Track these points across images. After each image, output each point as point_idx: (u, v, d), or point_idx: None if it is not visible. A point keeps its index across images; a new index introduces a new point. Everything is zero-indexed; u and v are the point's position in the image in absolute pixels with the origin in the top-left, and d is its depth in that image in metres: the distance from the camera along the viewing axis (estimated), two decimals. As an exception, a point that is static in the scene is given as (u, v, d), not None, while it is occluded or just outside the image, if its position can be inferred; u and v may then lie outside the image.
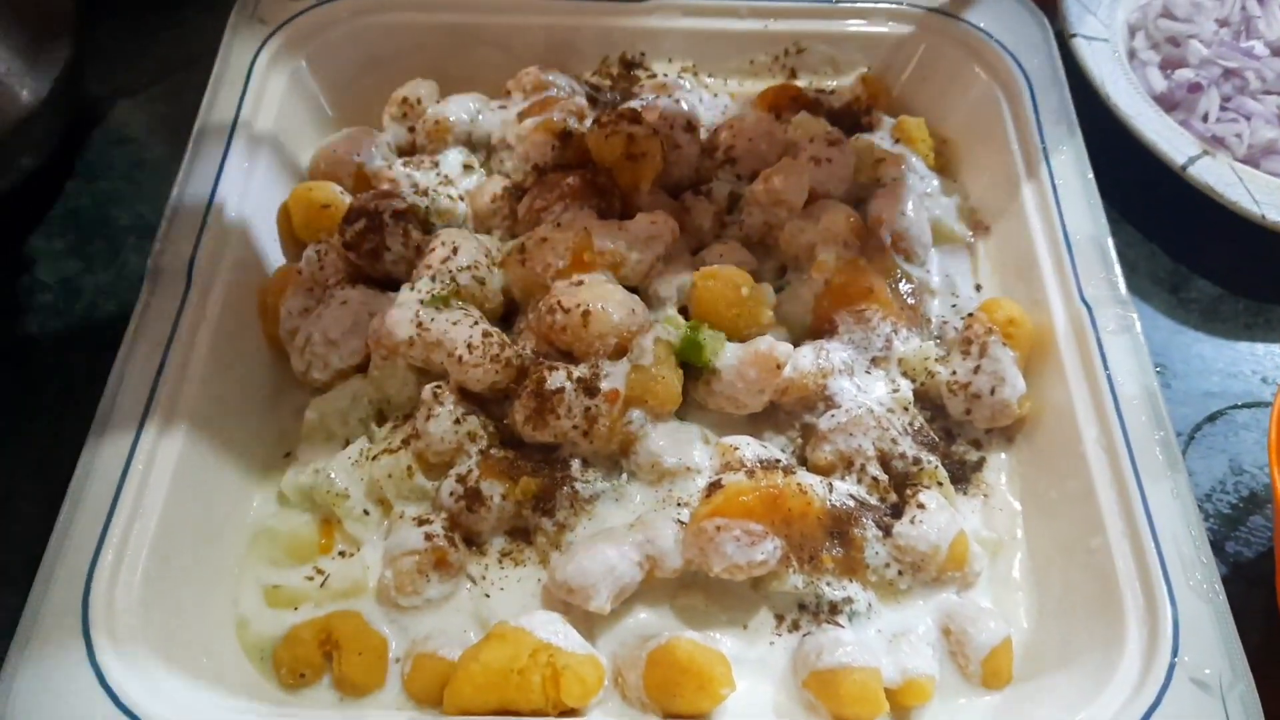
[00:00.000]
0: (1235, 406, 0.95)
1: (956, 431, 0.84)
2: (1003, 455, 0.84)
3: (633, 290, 0.82)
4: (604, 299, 0.78)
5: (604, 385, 0.77)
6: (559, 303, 0.78)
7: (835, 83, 1.05)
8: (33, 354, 0.96)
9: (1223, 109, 1.08)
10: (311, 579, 0.76)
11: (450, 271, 0.81)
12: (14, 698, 0.63)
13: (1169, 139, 1.03)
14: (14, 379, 0.94)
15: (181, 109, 1.10)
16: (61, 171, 1.09)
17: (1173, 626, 0.67)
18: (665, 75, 1.03)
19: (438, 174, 0.94)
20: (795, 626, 0.74)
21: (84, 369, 0.95)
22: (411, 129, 0.99)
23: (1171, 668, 0.65)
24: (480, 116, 0.98)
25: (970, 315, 0.85)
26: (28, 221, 1.05)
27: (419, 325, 0.78)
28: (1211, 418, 0.94)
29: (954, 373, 0.82)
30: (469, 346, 0.77)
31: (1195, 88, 1.09)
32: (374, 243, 0.83)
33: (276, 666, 0.72)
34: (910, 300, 0.87)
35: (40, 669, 0.64)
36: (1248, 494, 0.90)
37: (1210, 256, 1.04)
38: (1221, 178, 1.00)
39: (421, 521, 0.75)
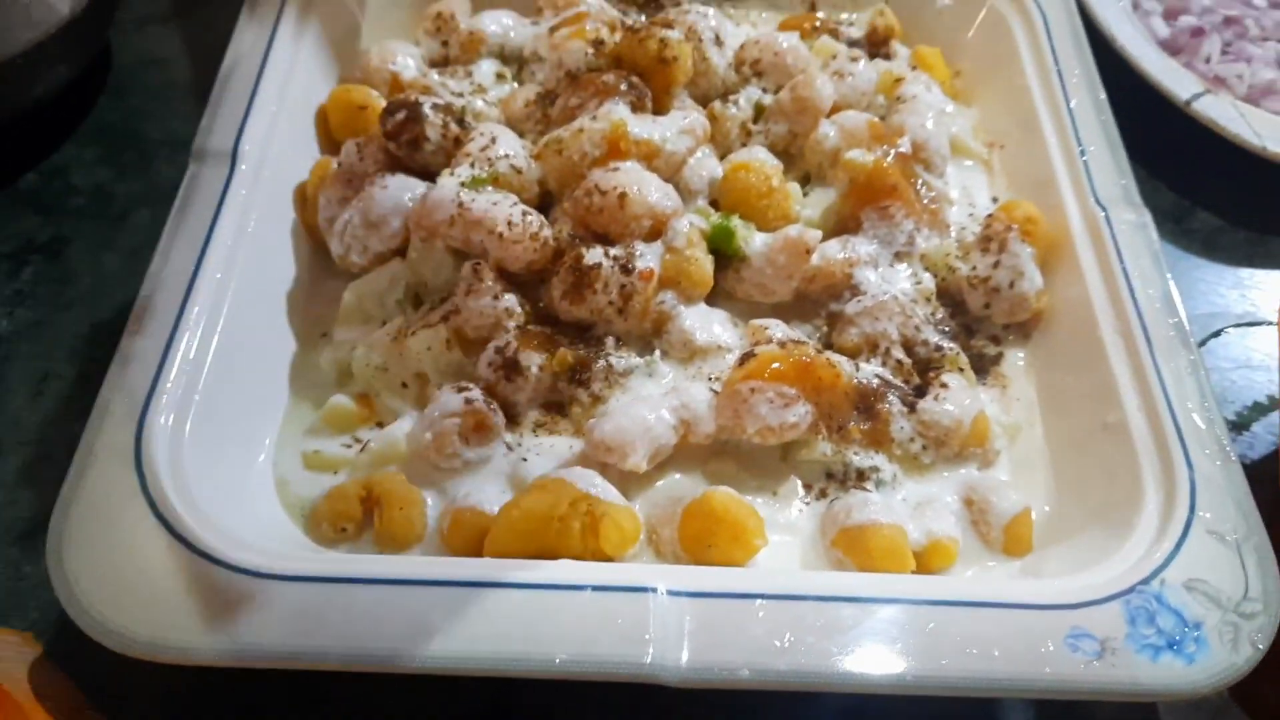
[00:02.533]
0: (1237, 325, 0.98)
1: (975, 327, 0.87)
2: (1020, 352, 0.86)
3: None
4: (639, 182, 0.80)
5: (639, 265, 0.79)
6: (596, 186, 0.81)
7: (853, 15, 1.09)
8: (66, 251, 0.98)
9: (1223, 53, 1.13)
10: (349, 446, 0.78)
11: (490, 159, 0.83)
12: (70, 525, 0.64)
13: (1173, 78, 1.08)
14: (48, 272, 0.96)
15: (212, 35, 1.13)
16: (93, 87, 1.11)
17: (1189, 486, 0.69)
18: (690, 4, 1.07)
19: (471, 83, 0.96)
20: (823, 494, 0.76)
21: (116, 266, 0.97)
22: (445, 43, 1.01)
23: (1189, 521, 0.68)
24: (512, 32, 1.01)
25: (990, 215, 0.88)
26: (61, 131, 1.07)
27: (460, 205, 0.80)
28: (1216, 334, 0.97)
29: (974, 268, 0.85)
30: (509, 224, 0.79)
31: (1198, 32, 1.13)
32: (414, 132, 0.85)
33: (316, 522, 0.73)
34: (932, 206, 0.89)
35: (94, 499, 0.65)
36: (1251, 404, 0.93)
37: (1212, 190, 1.08)
38: (1223, 113, 1.05)
39: (461, 389, 0.76)
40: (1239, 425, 0.91)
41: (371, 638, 0.60)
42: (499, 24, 1.01)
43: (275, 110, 0.90)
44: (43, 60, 1.00)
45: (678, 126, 0.85)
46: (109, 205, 1.02)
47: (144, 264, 0.78)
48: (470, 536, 0.71)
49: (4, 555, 0.78)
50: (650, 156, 0.83)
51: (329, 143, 0.95)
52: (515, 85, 0.98)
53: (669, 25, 0.90)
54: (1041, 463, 0.80)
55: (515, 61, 1.01)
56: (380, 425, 0.79)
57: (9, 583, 0.77)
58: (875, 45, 1.05)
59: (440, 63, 1.02)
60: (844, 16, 1.09)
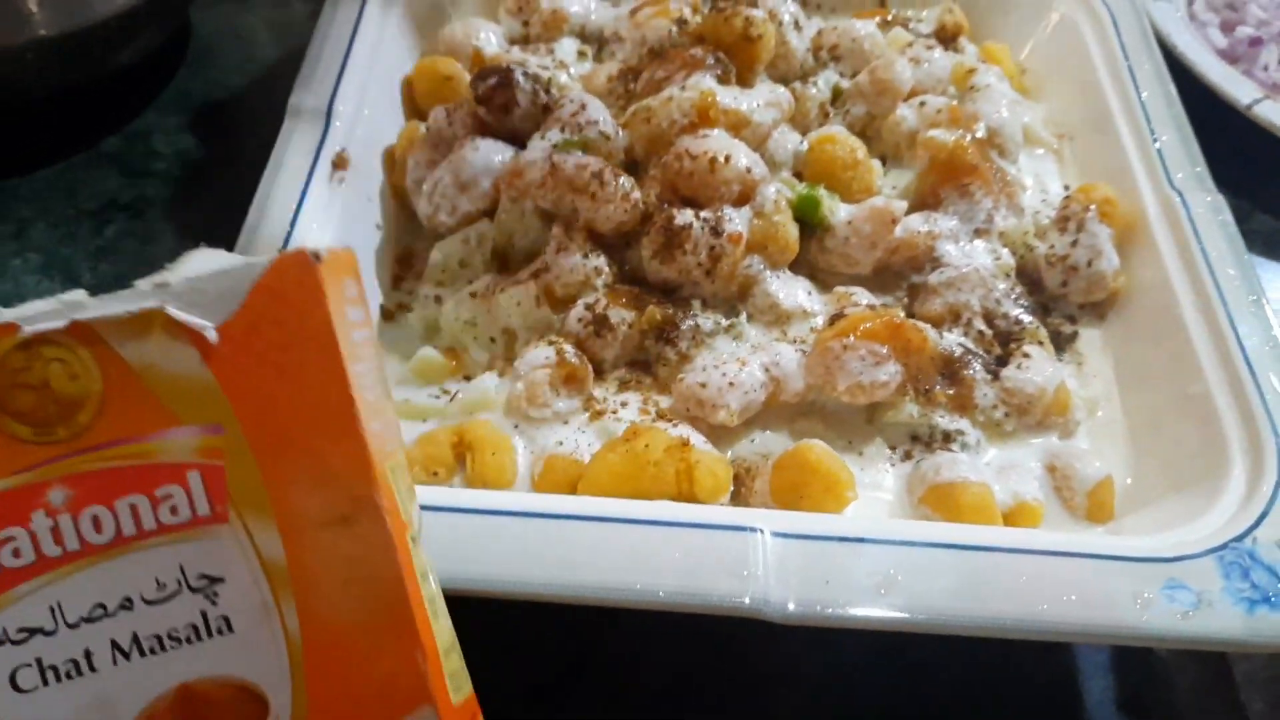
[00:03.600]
0: (1299, 319, 0.99)
1: (1052, 305, 0.88)
2: (1096, 331, 0.87)
3: (749, 155, 0.86)
4: (730, 148, 0.82)
5: (728, 228, 0.80)
6: (686, 151, 0.82)
7: (922, 12, 1.11)
8: (149, 211, 0.99)
9: (1281, 63, 1.15)
10: (438, 397, 0.79)
11: (579, 124, 0.85)
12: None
13: (1233, 84, 1.10)
14: (131, 229, 0.97)
15: (286, 13, 1.16)
16: (174, 58, 1.14)
17: (1278, 452, 0.70)
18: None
19: (553, 59, 0.99)
20: (908, 456, 0.77)
21: (200, 225, 0.98)
22: (526, 23, 1.03)
23: (1278, 486, 0.69)
24: (594, 14, 1.03)
25: (1067, 196, 0.89)
26: (143, 98, 1.09)
27: (552, 166, 0.82)
28: (1278, 327, 0.98)
29: (1052, 246, 0.87)
30: (601, 185, 0.81)
31: (1256, 41, 1.15)
32: (505, 97, 0.87)
33: (409, 465, 0.74)
34: (1008, 189, 0.91)
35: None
36: (1315, 393, 0.94)
37: (1271, 192, 1.10)
38: (1284, 117, 1.07)
39: (551, 342, 0.77)
40: (1304, 413, 0.92)
41: (475, 563, 0.61)
42: (580, 4, 1.03)
43: (365, 79, 0.92)
44: (128, 28, 1.02)
45: (764, 99, 0.86)
46: (190, 170, 1.03)
47: (224, 226, 0.78)
48: (563, 482, 0.72)
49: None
50: (738, 126, 0.85)
51: (414, 112, 0.97)
52: (595, 65, 1.00)
53: (752, 5, 0.92)
54: (1121, 435, 0.81)
55: (595, 41, 1.03)
56: (467, 378, 0.80)
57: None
58: (944, 41, 1.07)
59: (520, 41, 1.04)
60: (912, 13, 1.11)
